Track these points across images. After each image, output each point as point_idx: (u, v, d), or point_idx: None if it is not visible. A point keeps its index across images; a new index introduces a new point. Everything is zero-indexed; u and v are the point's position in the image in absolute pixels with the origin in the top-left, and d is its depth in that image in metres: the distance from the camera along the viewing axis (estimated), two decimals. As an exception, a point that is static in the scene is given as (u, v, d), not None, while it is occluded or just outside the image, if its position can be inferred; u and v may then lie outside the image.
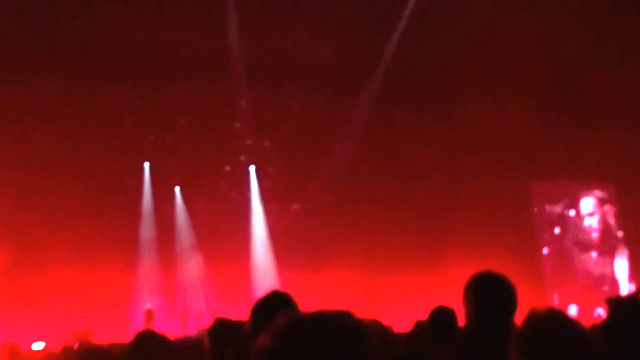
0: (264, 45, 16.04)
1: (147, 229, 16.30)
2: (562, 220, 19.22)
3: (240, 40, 15.57)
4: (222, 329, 3.44)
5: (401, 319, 8.79)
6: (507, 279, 2.72)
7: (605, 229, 19.41)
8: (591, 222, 19.35)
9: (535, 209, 19.15)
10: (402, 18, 15.68)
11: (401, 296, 15.65)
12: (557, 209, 19.25)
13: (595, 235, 19.31)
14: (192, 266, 16.32)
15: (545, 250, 18.90)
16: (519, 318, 2.98)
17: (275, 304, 2.66)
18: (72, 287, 14.20)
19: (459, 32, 15.57)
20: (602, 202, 19.46)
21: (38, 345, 11.55)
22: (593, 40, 15.55)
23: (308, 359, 1.27)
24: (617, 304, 3.06)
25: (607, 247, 19.23)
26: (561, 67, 16.23)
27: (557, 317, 1.99)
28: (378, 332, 4.71)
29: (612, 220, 19.46)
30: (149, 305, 15.05)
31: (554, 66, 16.16)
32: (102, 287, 14.61)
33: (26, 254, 14.14)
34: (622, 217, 19.25)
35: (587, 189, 19.42)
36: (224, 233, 16.08)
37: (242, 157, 17.30)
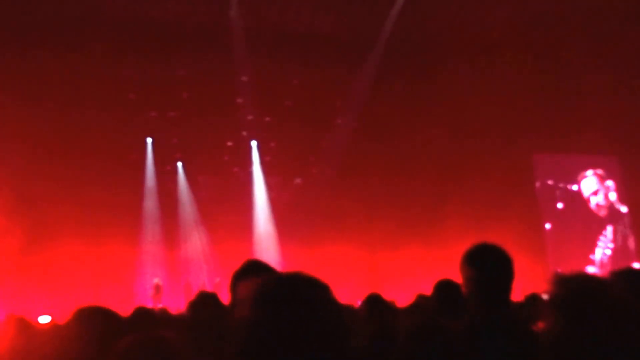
0: (265, 19, 15.93)
1: (150, 203, 16.35)
2: (566, 195, 19.16)
3: (241, 14, 15.47)
4: (203, 302, 3.46)
5: (402, 293, 8.84)
6: (503, 250, 2.70)
7: (608, 204, 19.37)
8: (594, 200, 19.29)
9: (538, 184, 19.08)
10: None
11: (402, 270, 15.70)
12: (560, 183, 19.17)
13: (598, 211, 19.26)
14: (195, 240, 16.41)
15: (548, 226, 18.86)
16: (518, 292, 3.01)
17: (252, 273, 2.63)
18: (77, 261, 14.28)
19: (461, 3, 15.36)
20: (602, 178, 19.38)
21: (44, 319, 11.63)
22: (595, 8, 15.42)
23: (284, 321, 1.36)
24: (621, 277, 3.08)
25: (611, 223, 19.21)
26: (563, 38, 16.12)
27: (594, 279, 2.00)
28: (379, 305, 4.73)
29: (614, 196, 19.41)
30: (157, 280, 15.19)
31: (556, 38, 16.06)
32: (106, 262, 14.70)
33: (32, 229, 14.21)
34: (626, 191, 19.20)
35: (589, 163, 19.31)
36: (226, 207, 16.13)
37: (244, 132, 17.28)
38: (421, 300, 4.84)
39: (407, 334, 2.44)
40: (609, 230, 19.07)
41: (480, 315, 2.66)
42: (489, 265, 2.72)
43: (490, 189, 16.62)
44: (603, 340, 1.78)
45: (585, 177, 19.29)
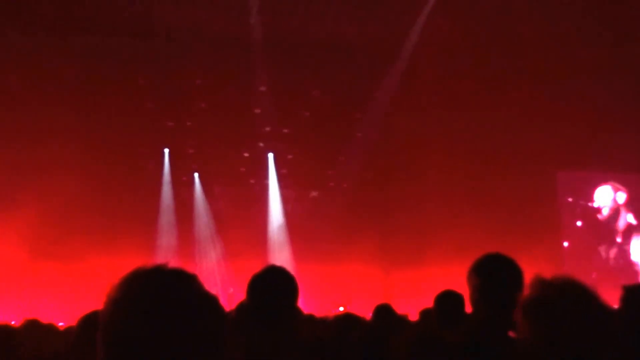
0: (285, 28, 15.84)
1: (166, 214, 16.37)
2: (585, 212, 18.88)
3: (261, 23, 15.45)
4: None
5: (418, 309, 8.68)
6: (512, 261, 2.62)
7: (628, 222, 19.05)
8: (611, 215, 18.98)
9: (560, 201, 18.82)
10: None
11: (418, 287, 15.46)
12: (580, 201, 18.90)
13: (618, 228, 18.96)
14: (210, 251, 16.38)
15: (565, 244, 18.59)
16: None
17: (272, 278, 2.63)
18: (92, 272, 14.28)
19: (489, 13, 15.14)
20: (617, 190, 19.05)
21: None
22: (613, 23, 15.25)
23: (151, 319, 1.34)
24: (632, 291, 2.97)
25: (630, 241, 18.88)
26: (587, 54, 15.95)
27: (571, 282, 1.91)
28: (389, 316, 4.65)
29: (635, 213, 19.08)
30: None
31: (580, 54, 15.90)
32: (121, 272, 14.62)
33: (47, 239, 14.30)
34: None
35: (612, 180, 19.01)
36: (242, 219, 16.09)
37: (261, 144, 17.25)
38: (425, 314, 4.78)
39: (407, 345, 2.38)
40: (628, 248, 18.73)
41: (483, 325, 2.57)
42: (496, 275, 2.65)
43: (510, 206, 16.40)
44: (569, 347, 1.71)
45: (602, 185, 18.98)
